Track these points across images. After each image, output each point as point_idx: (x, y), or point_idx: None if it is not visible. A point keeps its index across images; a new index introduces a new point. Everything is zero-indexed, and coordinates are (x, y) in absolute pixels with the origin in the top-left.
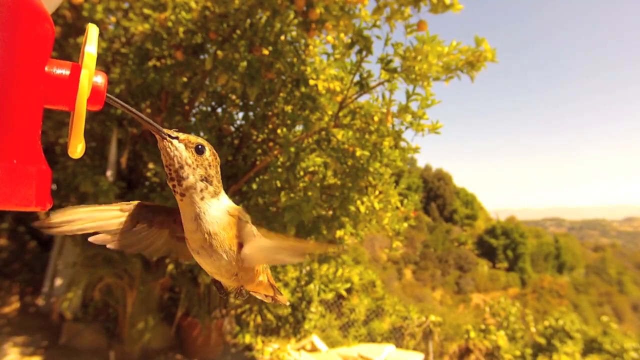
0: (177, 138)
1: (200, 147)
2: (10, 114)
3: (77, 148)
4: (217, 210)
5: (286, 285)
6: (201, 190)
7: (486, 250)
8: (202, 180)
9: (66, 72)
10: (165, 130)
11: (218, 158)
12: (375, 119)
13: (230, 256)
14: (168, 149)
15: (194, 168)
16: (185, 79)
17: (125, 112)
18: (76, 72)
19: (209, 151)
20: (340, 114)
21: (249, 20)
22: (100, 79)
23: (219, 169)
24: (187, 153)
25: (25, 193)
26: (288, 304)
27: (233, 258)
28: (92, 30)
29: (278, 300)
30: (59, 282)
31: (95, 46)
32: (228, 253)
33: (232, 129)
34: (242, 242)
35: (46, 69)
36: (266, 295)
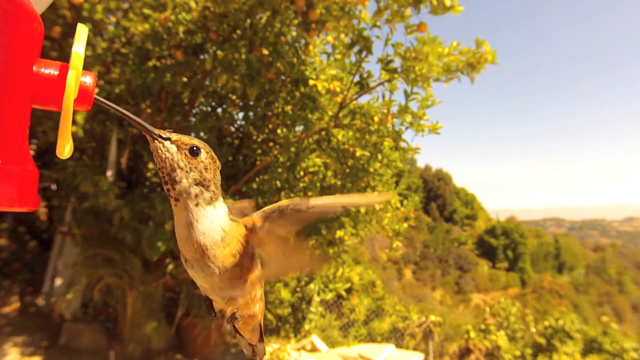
0: (169, 139)
1: (195, 148)
2: None
3: (64, 149)
4: (212, 221)
5: (286, 285)
6: (196, 196)
7: (486, 250)
8: (196, 185)
9: (55, 72)
10: (157, 131)
11: (217, 161)
12: (375, 119)
13: (223, 274)
14: (159, 151)
15: (187, 171)
16: (185, 79)
17: (117, 113)
18: (65, 72)
19: (205, 153)
20: (340, 114)
21: (249, 21)
22: (88, 80)
23: (217, 173)
24: (179, 155)
25: (9, 193)
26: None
27: (226, 277)
28: (81, 31)
29: (257, 352)
30: (59, 282)
31: (83, 46)
32: (221, 269)
33: (232, 129)
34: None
35: (34, 68)
36: (249, 344)
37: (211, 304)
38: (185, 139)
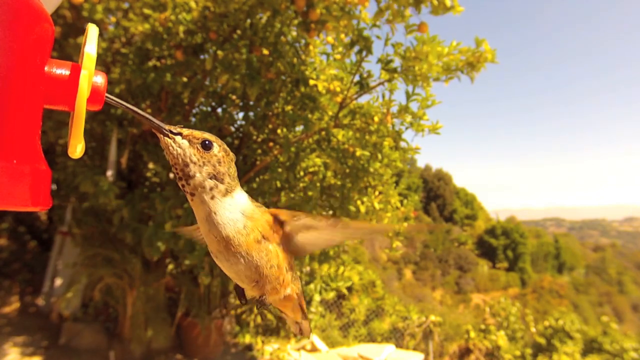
0: (180, 134)
1: (207, 142)
2: (10, 114)
3: (77, 148)
4: (230, 211)
5: None
6: (210, 189)
7: (486, 250)
8: (210, 178)
9: (66, 72)
10: (167, 127)
11: (231, 154)
12: (375, 119)
13: (248, 261)
14: (170, 147)
15: (200, 165)
16: (185, 79)
17: (126, 111)
18: (76, 72)
19: (218, 147)
20: (340, 114)
21: (249, 20)
22: (100, 79)
23: (232, 165)
24: (191, 150)
25: (23, 193)
26: (311, 337)
27: (252, 264)
28: (92, 31)
29: (303, 330)
30: (59, 282)
31: (95, 46)
32: (246, 258)
33: (232, 129)
34: (290, 235)
35: (46, 69)
36: (295, 322)
37: (242, 292)
38: (197, 133)
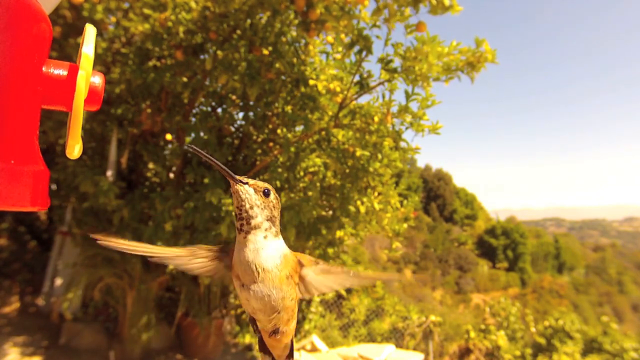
0: (247, 183)
1: (266, 191)
2: (7, 115)
3: (74, 149)
4: (275, 250)
5: None
6: (266, 230)
7: (486, 250)
8: (267, 220)
9: (64, 72)
10: (237, 177)
11: (280, 201)
12: (376, 119)
13: (277, 294)
14: (241, 192)
15: (262, 209)
16: (185, 79)
17: (207, 161)
18: (74, 72)
19: (273, 194)
20: (340, 114)
21: (249, 21)
22: (97, 80)
23: (279, 212)
24: (256, 195)
25: (21, 194)
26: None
27: (280, 296)
28: (90, 31)
29: None
30: (59, 282)
31: (93, 47)
32: (277, 289)
33: (232, 129)
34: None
35: (44, 69)
36: (279, 356)
37: (255, 324)
38: (259, 183)
